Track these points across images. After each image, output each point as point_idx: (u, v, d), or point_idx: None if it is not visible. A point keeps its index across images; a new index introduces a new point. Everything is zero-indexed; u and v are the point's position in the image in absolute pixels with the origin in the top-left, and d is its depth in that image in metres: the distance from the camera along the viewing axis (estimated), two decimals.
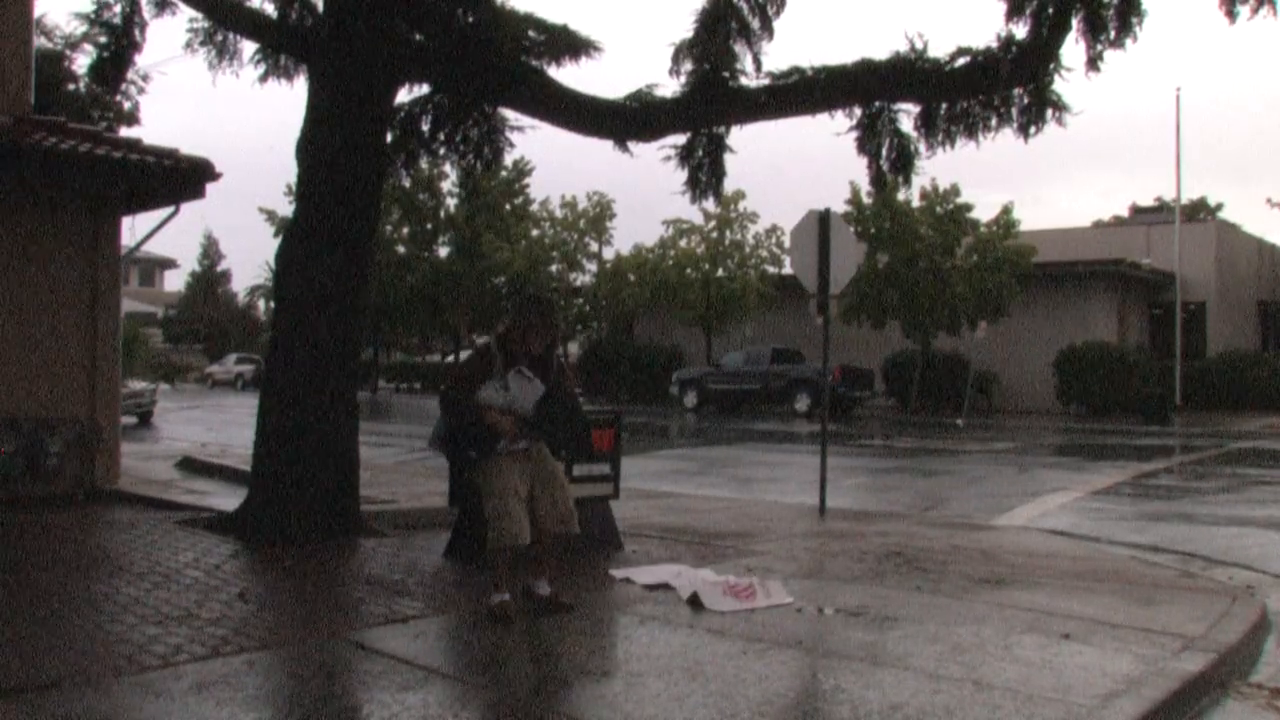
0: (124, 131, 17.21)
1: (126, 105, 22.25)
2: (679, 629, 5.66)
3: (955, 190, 31.24)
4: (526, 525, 5.63)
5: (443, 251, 44.33)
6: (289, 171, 9.21)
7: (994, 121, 8.59)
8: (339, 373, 8.38)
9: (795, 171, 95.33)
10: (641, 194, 34.38)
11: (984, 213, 33.68)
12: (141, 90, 22.24)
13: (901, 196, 29.91)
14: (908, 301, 30.74)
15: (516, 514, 5.56)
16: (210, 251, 67.93)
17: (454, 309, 43.20)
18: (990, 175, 72.22)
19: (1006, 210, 31.43)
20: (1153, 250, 36.32)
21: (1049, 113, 8.47)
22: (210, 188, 10.85)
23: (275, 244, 11.10)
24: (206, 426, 23.11)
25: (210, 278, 67.26)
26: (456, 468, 5.65)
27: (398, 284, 41.67)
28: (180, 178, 10.61)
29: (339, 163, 8.40)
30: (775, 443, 21.07)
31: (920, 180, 12.89)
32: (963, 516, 10.80)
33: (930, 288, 30.29)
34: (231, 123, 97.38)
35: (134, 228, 18.06)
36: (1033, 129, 8.52)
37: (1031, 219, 62.14)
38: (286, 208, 41.71)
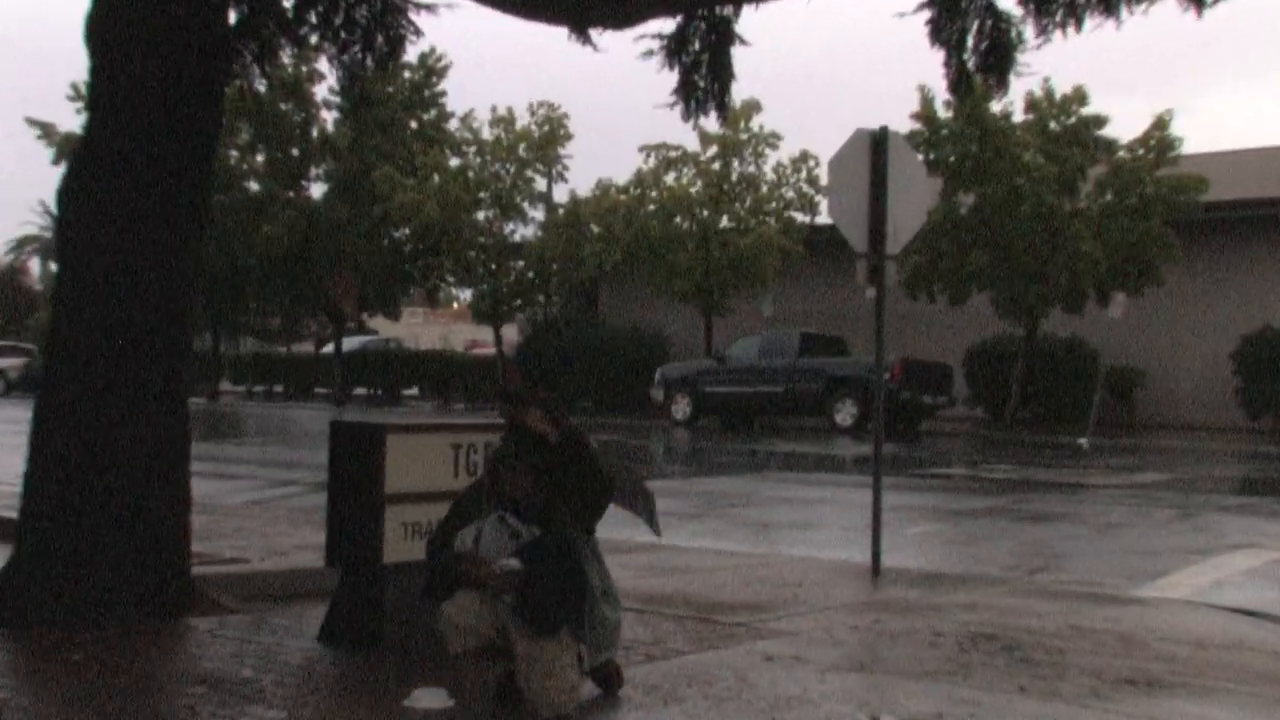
0: None
1: None
2: None
3: (1081, 96, 31.03)
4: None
5: (317, 190, 44.24)
6: (78, 64, 9.08)
7: None
8: (157, 370, 8.29)
9: (835, 77, 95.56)
10: (610, 107, 34.31)
11: (1123, 130, 33.64)
12: None
13: (997, 108, 29.94)
14: (1004, 264, 30.81)
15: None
16: None
17: (334, 276, 43.06)
18: (1124, 81, 72.52)
19: (1162, 123, 31.02)
20: None
21: None
22: None
23: (56, 175, 10.99)
24: None
25: None
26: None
27: (250, 238, 41.44)
28: None
29: (155, 53, 8.29)
30: (805, 471, 21.06)
31: (1025, 83, 12.80)
32: (1090, 583, 10.81)
33: (1040, 243, 30.36)
34: None
35: None
36: None
37: (1193, 141, 61.99)
38: (73, 120, 41.30)
